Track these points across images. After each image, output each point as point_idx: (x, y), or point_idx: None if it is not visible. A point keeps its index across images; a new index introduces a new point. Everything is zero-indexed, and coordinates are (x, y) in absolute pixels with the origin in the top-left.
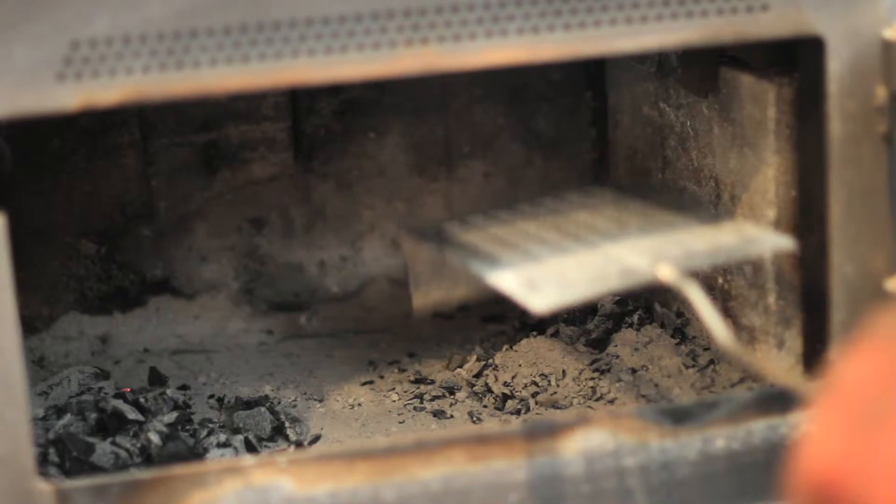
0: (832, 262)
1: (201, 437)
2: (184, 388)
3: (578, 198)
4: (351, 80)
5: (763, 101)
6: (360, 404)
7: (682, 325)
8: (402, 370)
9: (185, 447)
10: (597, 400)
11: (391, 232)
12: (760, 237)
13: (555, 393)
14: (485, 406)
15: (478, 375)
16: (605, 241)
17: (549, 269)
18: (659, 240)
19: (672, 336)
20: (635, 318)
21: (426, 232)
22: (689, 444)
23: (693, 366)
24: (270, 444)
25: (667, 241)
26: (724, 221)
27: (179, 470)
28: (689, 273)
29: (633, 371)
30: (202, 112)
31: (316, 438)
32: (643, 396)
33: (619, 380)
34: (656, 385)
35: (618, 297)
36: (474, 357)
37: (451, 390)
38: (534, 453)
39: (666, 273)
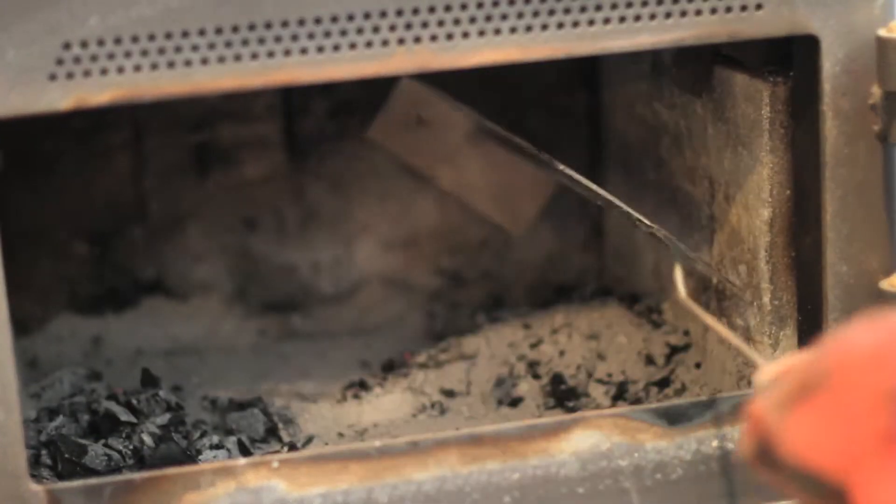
0: (827, 261)
1: (194, 438)
2: (176, 389)
3: None
4: (344, 79)
5: (757, 100)
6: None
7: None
8: (396, 370)
9: (177, 449)
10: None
11: (385, 232)
12: None
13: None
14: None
15: None
16: None
17: None
18: None
19: None
20: None
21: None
22: (684, 445)
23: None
24: (263, 445)
25: None
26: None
27: (172, 472)
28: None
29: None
30: (195, 112)
31: (309, 440)
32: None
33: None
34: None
35: None
36: None
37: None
38: (528, 454)
39: None
